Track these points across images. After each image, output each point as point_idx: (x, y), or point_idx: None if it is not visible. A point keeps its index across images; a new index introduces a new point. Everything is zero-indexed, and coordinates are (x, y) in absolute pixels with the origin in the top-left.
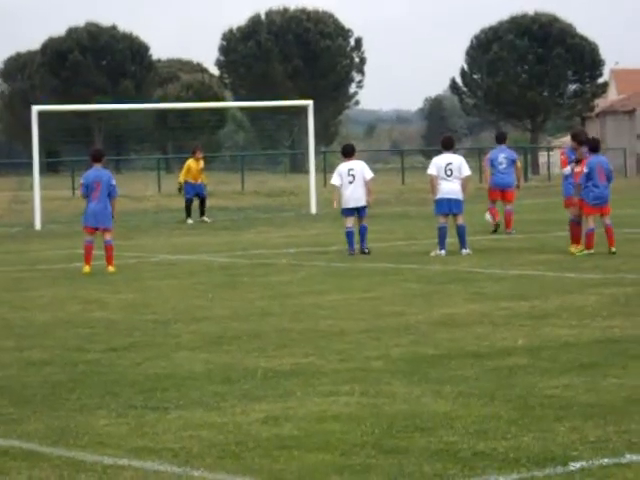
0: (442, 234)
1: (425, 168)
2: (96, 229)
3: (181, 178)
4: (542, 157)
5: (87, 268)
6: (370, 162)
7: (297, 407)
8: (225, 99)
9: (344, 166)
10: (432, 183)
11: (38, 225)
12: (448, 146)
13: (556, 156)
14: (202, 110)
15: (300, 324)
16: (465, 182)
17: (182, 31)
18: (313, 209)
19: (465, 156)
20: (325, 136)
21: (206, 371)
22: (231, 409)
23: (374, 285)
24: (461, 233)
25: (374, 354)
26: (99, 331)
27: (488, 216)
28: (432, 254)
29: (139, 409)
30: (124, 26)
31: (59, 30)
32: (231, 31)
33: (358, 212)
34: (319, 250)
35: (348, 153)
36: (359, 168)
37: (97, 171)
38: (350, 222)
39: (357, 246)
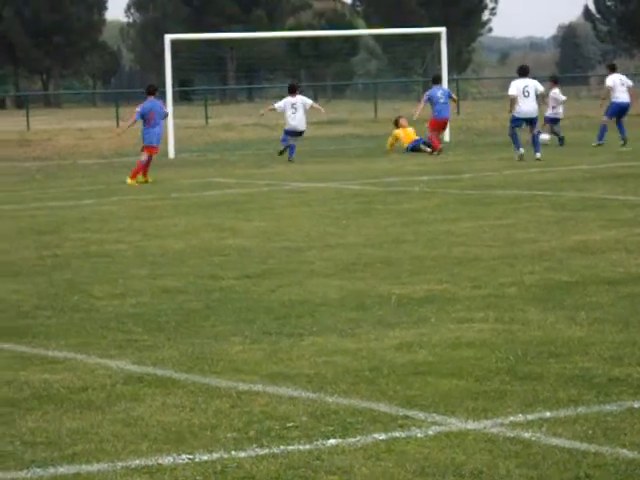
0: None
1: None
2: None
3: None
4: None
5: (142, 178)
6: (504, 89)
7: (431, 333)
8: (357, 27)
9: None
10: (512, 102)
11: (172, 154)
12: (523, 73)
13: None
14: (334, 38)
15: (433, 251)
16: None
17: None
18: (447, 137)
19: (599, 84)
20: (458, 63)
21: (340, 298)
22: (365, 335)
23: (507, 212)
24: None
25: (508, 281)
26: (233, 259)
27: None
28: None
29: (273, 335)
30: None
31: None
32: None
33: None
34: (452, 178)
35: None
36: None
37: (151, 102)
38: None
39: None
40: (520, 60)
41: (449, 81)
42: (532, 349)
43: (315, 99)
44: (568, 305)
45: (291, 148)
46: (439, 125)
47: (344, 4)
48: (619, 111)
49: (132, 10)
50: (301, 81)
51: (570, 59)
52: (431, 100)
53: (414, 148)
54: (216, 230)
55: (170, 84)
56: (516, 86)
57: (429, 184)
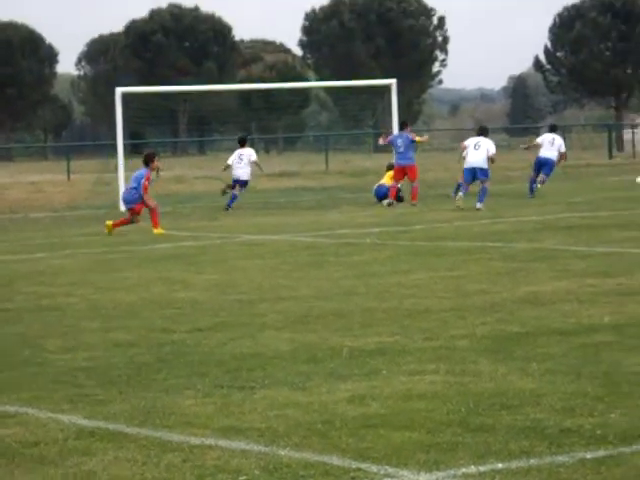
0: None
1: (509, 147)
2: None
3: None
4: (627, 134)
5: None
6: (454, 141)
7: (383, 386)
8: (308, 79)
9: (476, 138)
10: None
11: (123, 206)
12: (481, 133)
13: None
14: (285, 90)
15: (385, 303)
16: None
17: (265, 11)
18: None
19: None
20: (409, 115)
21: (291, 350)
22: (317, 388)
23: (458, 264)
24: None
25: (459, 332)
26: (185, 311)
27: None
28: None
29: (225, 389)
30: (207, 7)
31: (142, 12)
32: (314, 11)
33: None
34: (403, 229)
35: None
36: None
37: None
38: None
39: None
40: (471, 111)
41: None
42: (484, 401)
43: (266, 151)
44: (519, 356)
45: (232, 197)
46: (397, 173)
47: (295, 56)
48: (539, 165)
49: (83, 63)
50: (252, 133)
51: (521, 110)
52: (393, 146)
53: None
54: (168, 283)
55: (121, 137)
56: (470, 140)
57: (380, 236)
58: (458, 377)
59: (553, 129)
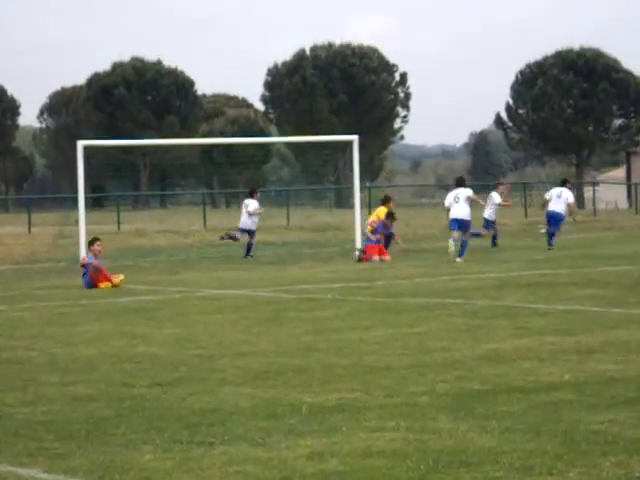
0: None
1: (471, 204)
2: None
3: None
4: (587, 192)
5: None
6: (416, 197)
7: (342, 442)
8: (270, 134)
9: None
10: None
11: None
12: (459, 184)
13: (602, 191)
14: (247, 145)
15: (345, 359)
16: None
17: (227, 67)
18: (358, 244)
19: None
20: (370, 171)
21: (251, 406)
22: (276, 444)
23: (419, 320)
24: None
25: (420, 389)
26: (144, 366)
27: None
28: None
29: (184, 444)
30: (169, 61)
31: (104, 65)
32: (276, 66)
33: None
34: (364, 285)
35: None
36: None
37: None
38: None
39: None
40: (432, 167)
41: (361, 189)
42: (443, 458)
43: (227, 206)
44: (479, 414)
45: (248, 246)
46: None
47: (257, 111)
48: (549, 219)
49: (45, 115)
50: (213, 188)
51: (481, 166)
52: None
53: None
54: (127, 337)
55: (82, 190)
56: (448, 196)
57: (341, 292)
58: (418, 434)
59: (563, 183)
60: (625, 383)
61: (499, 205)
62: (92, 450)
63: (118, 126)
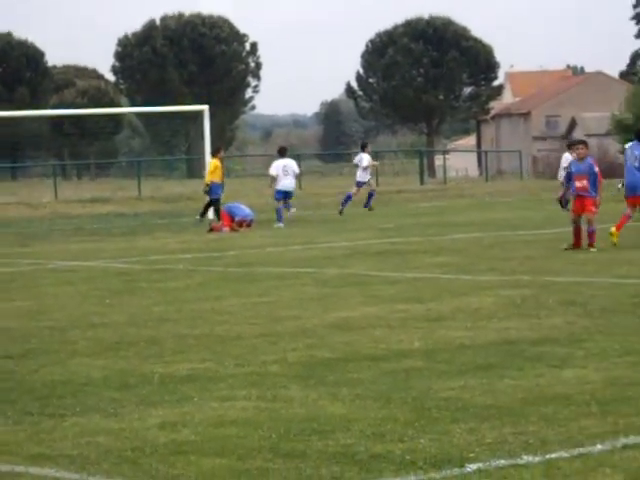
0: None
1: (322, 172)
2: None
3: (208, 179)
4: (438, 160)
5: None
6: (267, 166)
7: (194, 412)
8: (121, 105)
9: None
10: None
11: None
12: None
13: (452, 159)
14: (98, 116)
15: (197, 329)
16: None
17: (77, 37)
18: (210, 214)
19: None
20: (221, 141)
21: (103, 377)
22: (128, 415)
23: (270, 289)
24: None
25: (270, 358)
26: None
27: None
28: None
29: (35, 416)
30: (20, 33)
31: None
32: (126, 37)
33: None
34: (216, 255)
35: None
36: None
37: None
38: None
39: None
40: (284, 137)
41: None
42: (295, 426)
43: (79, 177)
44: (330, 382)
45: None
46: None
47: (107, 82)
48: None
49: None
50: (64, 159)
51: (333, 136)
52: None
53: None
54: None
55: None
56: (276, 166)
57: (193, 262)
58: (269, 403)
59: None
60: (475, 350)
61: (367, 167)
62: None
63: None
